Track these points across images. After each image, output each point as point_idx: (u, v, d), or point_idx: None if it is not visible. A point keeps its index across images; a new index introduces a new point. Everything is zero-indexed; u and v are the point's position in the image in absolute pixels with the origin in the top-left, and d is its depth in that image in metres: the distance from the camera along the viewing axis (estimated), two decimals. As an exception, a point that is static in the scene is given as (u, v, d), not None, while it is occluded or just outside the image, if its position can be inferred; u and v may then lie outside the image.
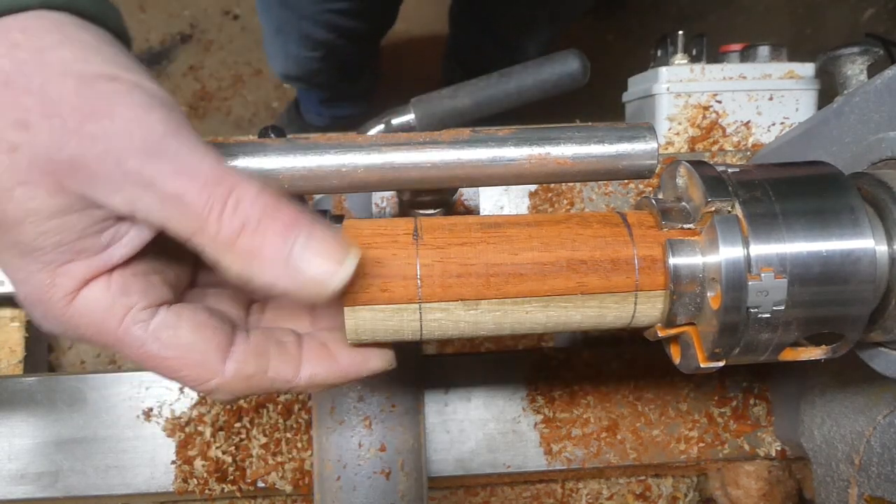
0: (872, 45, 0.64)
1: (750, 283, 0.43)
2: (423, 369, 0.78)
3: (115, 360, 1.06)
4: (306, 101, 1.83)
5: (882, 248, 0.46)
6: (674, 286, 0.46)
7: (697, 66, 0.91)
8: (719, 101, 0.91)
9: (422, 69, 2.04)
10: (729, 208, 0.45)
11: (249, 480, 0.78)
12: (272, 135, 0.59)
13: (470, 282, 0.45)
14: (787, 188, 0.46)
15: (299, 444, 0.79)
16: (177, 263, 0.44)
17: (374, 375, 0.47)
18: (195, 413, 0.79)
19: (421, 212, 0.60)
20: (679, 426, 0.82)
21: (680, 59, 0.92)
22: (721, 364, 0.47)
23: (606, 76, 1.15)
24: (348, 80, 1.64)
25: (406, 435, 0.69)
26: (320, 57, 1.40)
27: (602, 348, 0.83)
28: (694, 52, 0.93)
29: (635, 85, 0.99)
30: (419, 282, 0.45)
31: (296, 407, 0.79)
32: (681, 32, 0.92)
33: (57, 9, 0.37)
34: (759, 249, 0.44)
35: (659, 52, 0.94)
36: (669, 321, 0.48)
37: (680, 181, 0.50)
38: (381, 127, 0.66)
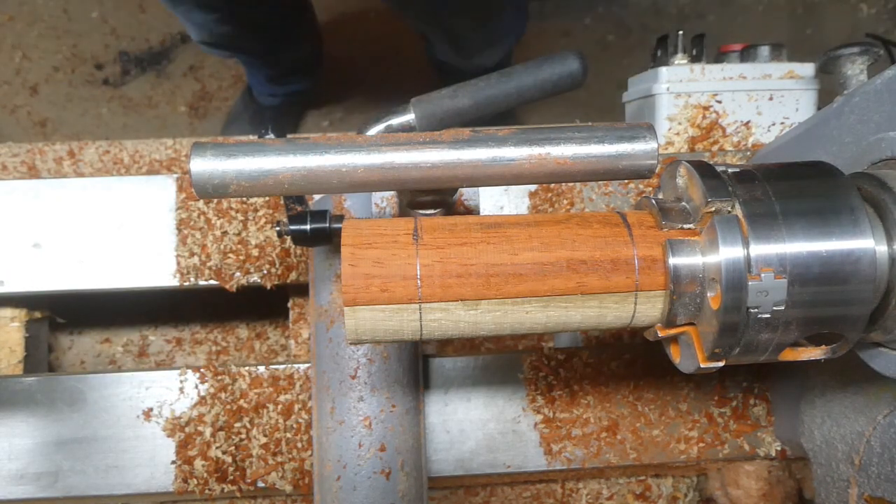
0: (872, 45, 0.64)
1: (750, 283, 0.43)
2: (423, 369, 0.78)
3: (114, 360, 1.06)
4: (255, 84, 1.83)
5: (882, 248, 0.46)
6: (674, 286, 0.46)
7: (697, 66, 0.91)
8: (719, 101, 0.91)
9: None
10: (729, 208, 0.45)
11: (249, 480, 0.78)
12: (272, 135, 0.59)
13: (470, 282, 0.45)
14: (787, 188, 0.46)
15: (299, 444, 0.79)
16: None
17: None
18: (195, 413, 0.79)
19: (421, 212, 0.60)
20: (679, 426, 0.82)
21: (680, 59, 0.92)
22: (721, 364, 0.47)
23: (606, 76, 1.15)
24: (278, 49, 1.63)
25: (406, 435, 0.69)
26: (219, 19, 1.41)
27: (602, 348, 0.83)
28: (694, 52, 0.93)
29: (635, 85, 0.99)
30: (419, 282, 0.45)
31: (296, 407, 0.79)
32: (681, 32, 0.92)
33: None
34: (759, 249, 0.44)
35: (659, 52, 0.94)
36: (669, 321, 0.48)
37: (680, 181, 0.50)
38: (381, 127, 0.66)
